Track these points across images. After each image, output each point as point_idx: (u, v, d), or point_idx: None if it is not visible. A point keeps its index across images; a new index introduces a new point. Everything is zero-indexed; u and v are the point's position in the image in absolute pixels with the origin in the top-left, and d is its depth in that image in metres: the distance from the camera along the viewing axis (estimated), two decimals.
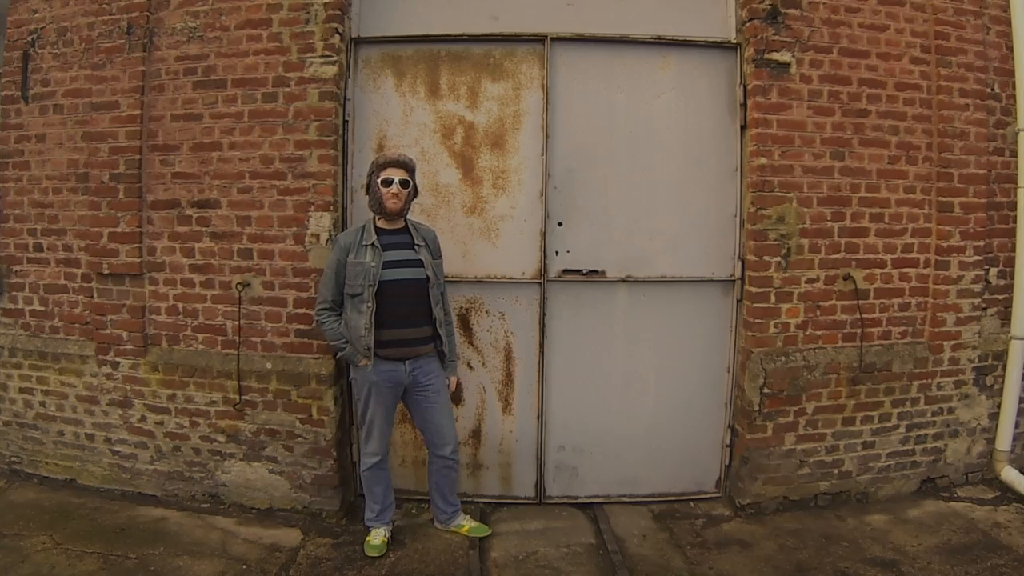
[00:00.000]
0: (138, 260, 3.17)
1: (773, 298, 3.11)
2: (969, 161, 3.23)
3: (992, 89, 3.29)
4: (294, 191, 3.06)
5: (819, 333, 3.16)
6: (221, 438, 3.17)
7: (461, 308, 3.24)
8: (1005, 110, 3.32)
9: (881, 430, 3.23)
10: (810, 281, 3.13)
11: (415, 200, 2.88)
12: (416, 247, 2.77)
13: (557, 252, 3.21)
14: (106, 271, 3.20)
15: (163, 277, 3.19)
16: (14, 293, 3.42)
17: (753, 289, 3.12)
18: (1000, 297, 3.38)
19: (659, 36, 3.17)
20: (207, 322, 3.17)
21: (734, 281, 3.26)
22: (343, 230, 3.07)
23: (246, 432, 3.15)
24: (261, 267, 3.11)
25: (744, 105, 3.16)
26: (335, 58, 3.02)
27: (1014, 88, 3.31)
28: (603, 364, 3.27)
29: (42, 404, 3.36)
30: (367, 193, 2.76)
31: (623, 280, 3.23)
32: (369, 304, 2.65)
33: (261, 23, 3.06)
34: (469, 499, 3.25)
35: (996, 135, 3.30)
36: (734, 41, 3.20)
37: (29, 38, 3.31)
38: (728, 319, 3.29)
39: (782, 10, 3.05)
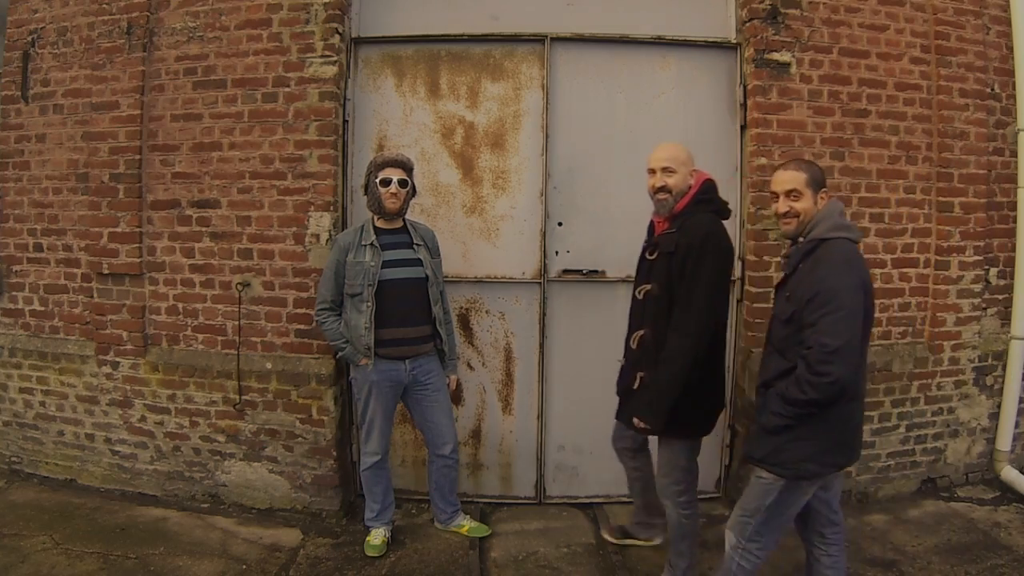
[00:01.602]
0: (138, 260, 3.17)
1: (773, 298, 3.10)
2: (969, 161, 3.23)
3: (992, 89, 3.28)
4: (294, 191, 3.06)
5: None
6: (221, 438, 3.17)
7: (461, 308, 3.24)
8: (1005, 110, 3.32)
9: (881, 430, 3.22)
10: None
11: (414, 200, 2.88)
12: (415, 246, 2.77)
13: (557, 252, 3.21)
14: (106, 271, 3.20)
15: (163, 277, 3.19)
16: (14, 293, 3.42)
17: (753, 289, 3.12)
18: (1000, 297, 3.38)
19: (659, 36, 3.17)
20: (207, 322, 3.17)
21: (734, 281, 3.25)
22: (343, 230, 3.07)
23: (246, 432, 3.15)
24: (261, 267, 3.11)
25: (744, 105, 3.16)
26: (335, 58, 3.02)
27: (1014, 88, 3.31)
28: (603, 364, 3.25)
29: (42, 404, 3.36)
30: (366, 193, 2.76)
31: (623, 280, 3.22)
32: (369, 304, 2.65)
33: (261, 23, 3.05)
34: (469, 499, 3.25)
35: (996, 135, 3.30)
36: (734, 41, 3.20)
37: (29, 38, 3.31)
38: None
39: (782, 10, 3.05)
